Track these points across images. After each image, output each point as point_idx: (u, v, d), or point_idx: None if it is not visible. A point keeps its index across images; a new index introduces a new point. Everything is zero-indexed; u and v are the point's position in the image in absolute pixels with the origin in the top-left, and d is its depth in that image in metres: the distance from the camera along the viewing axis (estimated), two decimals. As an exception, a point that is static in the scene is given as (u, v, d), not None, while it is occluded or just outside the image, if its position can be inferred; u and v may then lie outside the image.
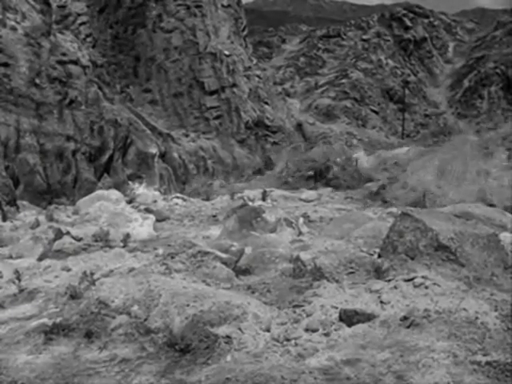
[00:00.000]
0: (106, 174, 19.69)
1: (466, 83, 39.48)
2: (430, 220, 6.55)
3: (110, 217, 11.98)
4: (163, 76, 28.30)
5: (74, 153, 18.63)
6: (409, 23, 44.06)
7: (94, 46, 28.21)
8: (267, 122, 29.64)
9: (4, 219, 13.03)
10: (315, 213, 13.98)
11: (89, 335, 5.30)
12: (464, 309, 4.94)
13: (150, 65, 28.45)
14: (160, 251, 8.41)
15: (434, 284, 5.54)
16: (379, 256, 6.86)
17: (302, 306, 5.69)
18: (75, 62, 20.22)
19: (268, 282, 6.70)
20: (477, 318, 4.80)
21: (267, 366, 4.64)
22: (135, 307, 5.54)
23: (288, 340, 5.09)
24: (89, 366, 4.89)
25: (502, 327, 4.68)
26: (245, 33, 32.68)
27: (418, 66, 42.41)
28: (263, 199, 16.23)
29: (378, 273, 6.30)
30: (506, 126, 31.73)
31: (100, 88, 21.48)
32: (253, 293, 6.37)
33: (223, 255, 7.43)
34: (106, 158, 20.05)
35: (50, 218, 12.60)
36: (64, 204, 16.42)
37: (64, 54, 19.96)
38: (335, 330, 5.16)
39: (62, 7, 28.09)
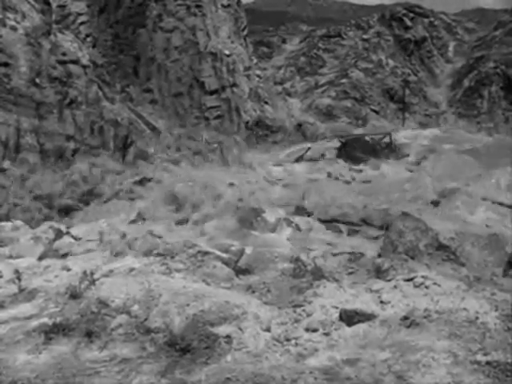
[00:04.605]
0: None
1: (466, 83, 39.41)
2: (430, 220, 6.56)
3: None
4: (163, 76, 28.28)
5: (74, 152, 18.64)
6: (409, 23, 43.98)
7: (94, 46, 28.19)
8: (267, 122, 29.62)
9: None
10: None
11: (89, 335, 5.30)
12: (464, 308, 4.94)
13: (150, 64, 28.43)
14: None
15: (435, 284, 5.54)
16: (379, 256, 6.86)
17: (302, 305, 5.69)
18: (75, 62, 20.21)
19: (268, 281, 6.69)
20: (477, 317, 4.80)
21: (267, 365, 4.64)
22: (135, 307, 5.54)
23: (288, 340, 5.08)
24: (89, 365, 4.88)
25: (503, 327, 4.68)
26: (245, 32, 32.65)
27: (418, 66, 42.34)
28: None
29: (378, 272, 6.30)
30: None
31: (100, 88, 21.47)
32: (253, 292, 6.37)
33: (223, 255, 7.43)
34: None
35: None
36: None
37: (64, 54, 19.95)
38: (335, 329, 5.16)
39: (62, 7, 28.08)
